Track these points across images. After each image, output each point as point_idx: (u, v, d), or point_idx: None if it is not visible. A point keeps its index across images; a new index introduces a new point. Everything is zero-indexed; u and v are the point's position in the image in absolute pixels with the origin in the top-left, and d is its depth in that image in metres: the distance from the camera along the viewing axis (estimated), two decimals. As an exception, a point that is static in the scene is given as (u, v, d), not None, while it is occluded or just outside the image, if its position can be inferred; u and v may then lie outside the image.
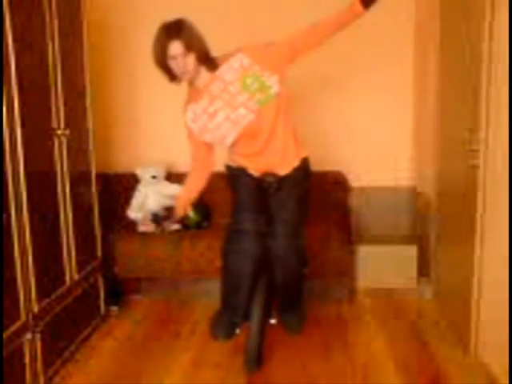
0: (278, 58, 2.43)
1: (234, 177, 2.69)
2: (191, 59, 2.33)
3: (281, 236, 2.58)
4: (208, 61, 2.40)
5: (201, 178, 2.67)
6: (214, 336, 2.79)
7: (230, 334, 2.77)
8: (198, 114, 2.48)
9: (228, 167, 2.72)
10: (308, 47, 2.44)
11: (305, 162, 2.64)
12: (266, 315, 2.68)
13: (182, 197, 2.73)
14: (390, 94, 3.69)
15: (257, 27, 3.51)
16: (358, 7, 2.30)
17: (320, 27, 2.40)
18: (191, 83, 2.46)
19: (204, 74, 2.41)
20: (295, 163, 2.60)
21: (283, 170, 2.58)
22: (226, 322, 2.77)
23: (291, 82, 2.56)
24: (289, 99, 2.55)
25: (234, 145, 2.55)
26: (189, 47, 2.31)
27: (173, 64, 2.34)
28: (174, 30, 2.31)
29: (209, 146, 2.60)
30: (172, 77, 2.41)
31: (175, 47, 2.30)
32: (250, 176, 2.62)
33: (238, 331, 2.78)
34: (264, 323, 2.58)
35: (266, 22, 3.54)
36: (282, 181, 2.59)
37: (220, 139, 2.51)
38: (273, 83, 2.43)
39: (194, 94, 2.49)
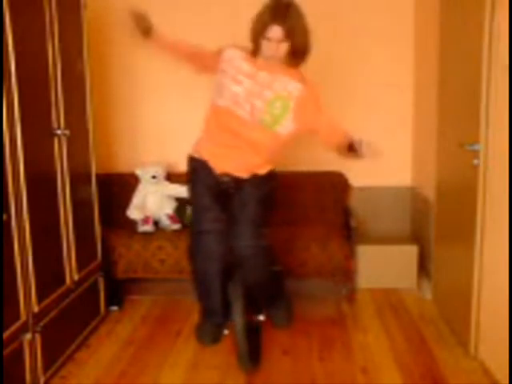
0: (309, 116, 2.46)
1: (194, 172, 2.62)
2: (285, 47, 2.28)
3: (243, 237, 2.51)
4: (295, 57, 2.36)
5: (185, 53, 2.62)
6: (201, 342, 2.71)
7: (216, 337, 2.70)
8: (233, 64, 2.43)
9: (190, 158, 2.64)
10: (309, 131, 2.56)
11: (269, 172, 2.62)
12: (251, 312, 2.63)
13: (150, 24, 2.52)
14: (390, 94, 3.69)
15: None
16: (343, 148, 2.45)
17: (324, 134, 2.55)
18: (258, 50, 2.37)
19: (277, 61, 2.37)
20: (259, 172, 2.58)
21: (243, 175, 2.56)
22: (209, 325, 2.72)
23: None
24: (288, 143, 2.59)
25: (217, 128, 2.53)
26: (288, 36, 2.24)
27: (265, 44, 2.29)
28: (282, 12, 2.23)
29: (207, 63, 2.56)
30: (256, 52, 2.37)
31: (275, 31, 2.23)
32: (209, 173, 2.55)
33: (226, 332, 2.74)
34: (249, 320, 2.54)
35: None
36: (240, 182, 2.55)
37: (223, 89, 2.46)
38: (286, 126, 2.46)
39: (248, 54, 2.43)
